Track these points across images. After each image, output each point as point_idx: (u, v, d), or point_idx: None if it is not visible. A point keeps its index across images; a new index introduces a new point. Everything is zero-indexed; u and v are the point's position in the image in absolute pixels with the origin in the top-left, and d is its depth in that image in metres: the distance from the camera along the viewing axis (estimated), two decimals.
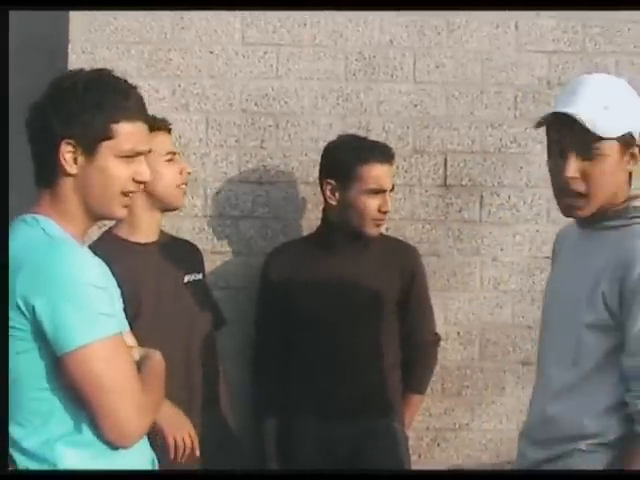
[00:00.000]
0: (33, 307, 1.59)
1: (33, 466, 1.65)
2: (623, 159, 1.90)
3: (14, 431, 1.65)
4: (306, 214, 3.03)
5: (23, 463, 1.65)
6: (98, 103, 1.67)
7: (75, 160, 1.68)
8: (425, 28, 3.06)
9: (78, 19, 2.98)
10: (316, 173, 2.85)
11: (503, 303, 3.10)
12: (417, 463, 2.95)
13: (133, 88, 1.73)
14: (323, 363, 2.73)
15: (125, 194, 1.73)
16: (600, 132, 1.85)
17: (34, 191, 1.76)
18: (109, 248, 2.21)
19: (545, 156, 3.07)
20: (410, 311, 2.83)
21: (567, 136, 1.90)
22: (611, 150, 1.87)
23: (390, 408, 2.77)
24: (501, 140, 3.10)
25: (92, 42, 2.99)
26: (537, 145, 3.10)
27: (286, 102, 3.04)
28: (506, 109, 3.10)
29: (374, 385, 2.75)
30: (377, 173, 2.72)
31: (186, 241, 2.82)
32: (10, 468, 1.64)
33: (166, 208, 2.56)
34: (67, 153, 1.68)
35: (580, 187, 1.89)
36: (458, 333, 3.09)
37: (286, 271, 2.80)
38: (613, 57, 3.11)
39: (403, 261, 2.83)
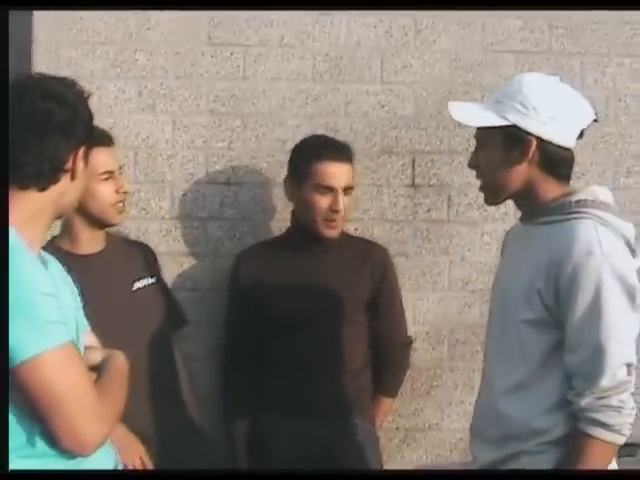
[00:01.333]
0: None
1: None
2: (509, 151, 1.92)
3: None
4: (275, 215, 3.01)
5: None
6: (89, 111, 1.79)
7: (84, 164, 1.77)
8: (392, 29, 3.06)
9: (43, 19, 2.94)
10: (284, 174, 2.84)
11: (472, 303, 3.11)
12: (387, 463, 2.95)
13: None
14: (293, 364, 2.73)
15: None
16: (474, 123, 1.97)
17: None
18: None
19: None
20: (380, 313, 2.82)
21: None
22: (492, 142, 1.94)
23: (360, 408, 2.77)
24: (468, 140, 3.07)
25: (57, 42, 2.95)
26: None
27: (254, 103, 3.03)
28: None
29: (344, 385, 2.75)
30: (327, 170, 2.69)
31: (138, 243, 2.80)
32: None
33: (103, 225, 2.54)
34: (81, 159, 1.74)
35: (479, 177, 2.02)
36: (427, 333, 3.10)
37: (255, 272, 2.78)
38: (578, 57, 3.14)
39: (373, 262, 2.82)
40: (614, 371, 1.81)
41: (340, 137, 2.97)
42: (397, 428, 3.09)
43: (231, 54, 3.01)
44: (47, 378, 1.58)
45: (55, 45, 2.95)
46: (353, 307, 2.77)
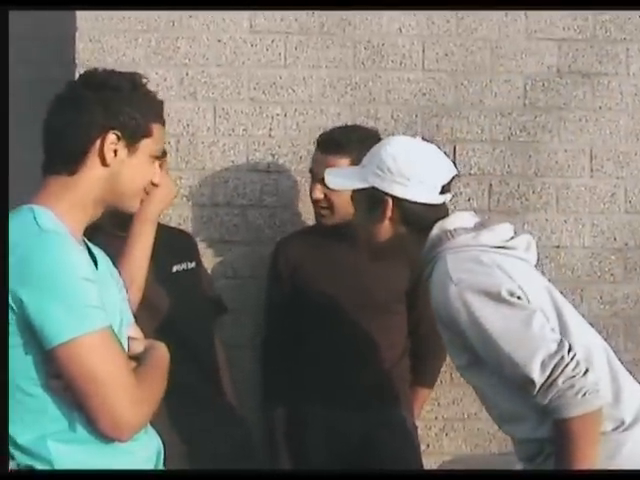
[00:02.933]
0: (20, 300, 1.58)
1: (29, 462, 1.64)
2: (371, 211, 2.07)
3: (12, 426, 1.63)
4: None
5: (20, 459, 1.64)
6: (142, 102, 1.77)
7: (115, 152, 1.73)
8: (434, 16, 3.04)
9: None
10: None
11: None
12: (425, 453, 2.94)
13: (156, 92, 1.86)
14: (331, 352, 2.72)
15: (142, 190, 1.82)
16: (339, 187, 2.22)
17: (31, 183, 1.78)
18: (96, 241, 2.20)
19: (555, 144, 3.09)
20: (419, 303, 2.81)
21: None
22: (359, 202, 2.13)
23: (398, 398, 2.76)
24: (510, 129, 3.08)
25: (99, 30, 2.98)
26: (546, 134, 3.08)
27: (294, 90, 3.03)
28: (515, 97, 3.08)
29: (382, 375, 2.74)
30: (314, 159, 2.73)
31: (177, 230, 2.81)
32: (11, 463, 1.63)
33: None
34: (111, 144, 1.72)
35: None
36: None
37: (294, 260, 2.79)
38: (623, 44, 3.09)
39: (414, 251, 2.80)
40: (538, 361, 1.83)
41: (380, 125, 2.97)
42: (436, 417, 3.08)
43: (272, 41, 3.02)
44: (85, 361, 1.58)
45: (98, 34, 2.98)
46: (392, 297, 2.76)
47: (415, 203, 2.03)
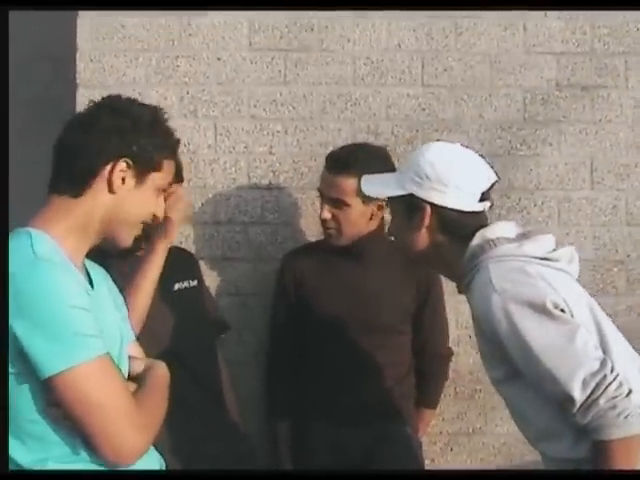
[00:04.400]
0: (14, 331, 1.56)
1: None
2: (409, 219, 2.03)
3: (13, 449, 1.63)
4: (316, 219, 3.01)
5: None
6: (159, 136, 1.78)
7: (123, 180, 1.73)
8: (433, 31, 3.05)
9: (85, 27, 2.98)
10: None
11: None
12: (431, 467, 2.93)
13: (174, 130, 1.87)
14: (336, 368, 2.72)
15: (142, 224, 1.80)
16: (376, 194, 2.22)
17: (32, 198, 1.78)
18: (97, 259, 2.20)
19: (555, 157, 3.09)
20: (424, 323, 2.81)
21: None
22: (396, 210, 2.09)
23: (402, 415, 2.76)
24: (510, 142, 3.09)
25: (100, 50, 2.99)
26: (546, 147, 3.09)
27: (294, 107, 3.04)
28: (515, 111, 3.09)
29: (387, 392, 2.74)
30: (321, 178, 2.73)
31: (178, 248, 2.79)
32: None
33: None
34: (120, 171, 1.72)
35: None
36: (470, 337, 3.07)
37: (301, 274, 2.78)
38: (622, 57, 3.10)
39: (420, 273, 2.79)
40: (580, 379, 1.78)
41: (381, 141, 2.97)
42: (440, 432, 3.07)
43: (272, 59, 3.03)
44: (81, 391, 1.57)
45: (98, 54, 2.99)
46: (398, 317, 2.76)
47: (454, 210, 1.98)
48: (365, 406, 2.71)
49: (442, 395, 2.96)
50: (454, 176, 1.98)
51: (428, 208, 1.98)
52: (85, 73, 2.97)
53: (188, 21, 3.01)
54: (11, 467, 1.63)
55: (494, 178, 2.03)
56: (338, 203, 2.66)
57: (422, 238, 2.01)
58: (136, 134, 1.74)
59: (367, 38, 3.04)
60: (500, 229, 1.99)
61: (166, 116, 1.82)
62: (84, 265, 1.79)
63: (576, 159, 3.10)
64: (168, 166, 1.81)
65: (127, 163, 1.73)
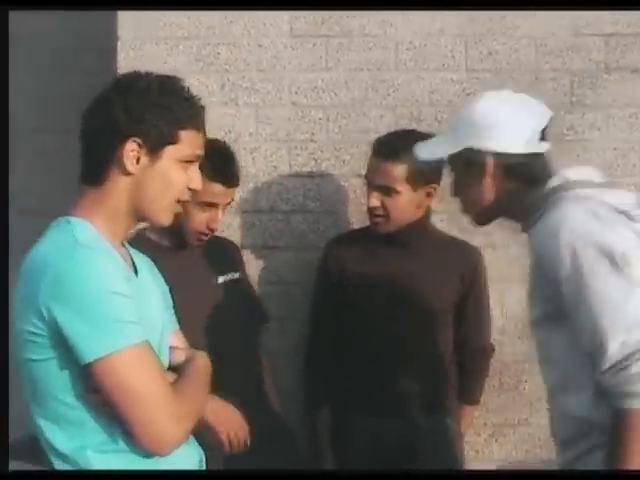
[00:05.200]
0: (54, 316, 1.56)
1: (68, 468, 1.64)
2: (470, 172, 1.98)
3: (50, 434, 1.64)
4: (358, 207, 2.98)
5: (59, 467, 1.64)
6: (170, 108, 1.68)
7: (138, 160, 1.67)
8: (476, 15, 2.99)
9: (126, 17, 2.98)
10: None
11: None
12: (475, 459, 2.90)
13: (197, 97, 1.76)
14: (377, 358, 2.70)
15: (178, 201, 1.73)
16: (431, 157, 2.08)
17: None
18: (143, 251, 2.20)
19: (604, 143, 3.02)
20: (467, 316, 2.77)
21: None
22: (457, 167, 2.04)
23: (443, 406, 2.73)
24: (557, 127, 3.01)
25: (141, 39, 2.99)
26: (594, 132, 3.02)
27: (336, 94, 3.00)
28: (562, 95, 3.01)
29: (427, 384, 2.71)
30: (368, 166, 2.69)
31: (222, 239, 2.78)
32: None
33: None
34: (132, 151, 1.67)
35: (460, 203, 2.10)
36: (515, 326, 3.03)
37: (342, 263, 2.76)
38: None
39: (465, 265, 2.76)
40: (621, 338, 1.75)
41: (424, 127, 2.92)
42: (485, 424, 3.03)
43: (313, 45, 3.00)
44: (120, 377, 1.57)
45: (139, 42, 2.99)
46: (440, 307, 2.72)
47: (515, 155, 1.94)
48: (406, 397, 2.68)
49: (486, 387, 2.92)
50: (508, 120, 1.94)
51: (489, 157, 1.94)
52: (126, 62, 2.97)
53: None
54: (50, 454, 1.65)
55: (549, 114, 1.98)
56: (387, 190, 2.62)
57: (488, 189, 1.97)
58: (142, 109, 1.66)
59: (409, 22, 2.99)
60: (583, 172, 1.95)
61: (181, 84, 1.72)
62: (128, 252, 1.79)
63: (626, 144, 3.02)
64: (188, 136, 1.69)
65: (137, 142, 1.67)
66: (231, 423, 2.24)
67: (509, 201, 1.98)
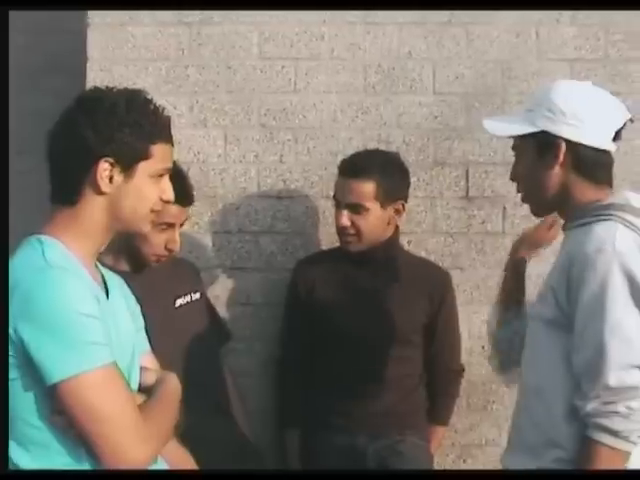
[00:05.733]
0: (21, 336, 1.55)
1: None
2: (542, 157, 1.94)
3: (18, 457, 1.62)
4: (327, 229, 2.99)
5: None
6: (139, 124, 1.67)
7: (111, 179, 1.67)
8: (444, 38, 3.03)
9: (96, 37, 2.98)
10: None
11: None
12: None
13: (164, 109, 1.75)
14: (347, 378, 2.71)
15: (152, 212, 1.73)
16: (505, 133, 2.02)
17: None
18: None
19: None
20: (436, 337, 2.79)
21: None
22: (526, 150, 1.97)
23: (413, 426, 2.74)
24: None
25: (110, 59, 2.99)
26: None
27: (305, 116, 3.02)
28: None
29: (397, 403, 2.72)
30: (336, 185, 2.72)
31: (180, 260, 2.73)
32: None
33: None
34: (104, 171, 1.66)
35: (520, 189, 2.04)
36: (483, 347, 3.04)
37: (313, 284, 2.77)
38: (636, 63, 3.06)
39: (434, 285, 2.78)
40: (619, 373, 1.76)
41: (392, 149, 2.95)
42: (453, 444, 3.04)
43: (282, 67, 3.01)
44: (85, 399, 1.56)
45: (108, 63, 2.99)
46: (409, 327, 2.74)
47: (589, 148, 1.90)
48: (376, 416, 2.69)
49: (454, 408, 2.93)
50: (590, 111, 1.91)
51: (563, 144, 1.91)
52: (95, 82, 2.94)
53: (198, 30, 3.00)
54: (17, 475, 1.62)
55: (628, 115, 1.96)
56: (357, 208, 2.65)
57: (554, 178, 1.93)
58: (112, 127, 1.65)
59: (378, 46, 3.02)
60: (635, 199, 1.93)
61: (148, 97, 1.71)
62: (100, 272, 1.78)
63: None
64: (160, 150, 1.69)
65: (109, 162, 1.66)
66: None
67: (569, 195, 1.93)
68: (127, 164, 1.67)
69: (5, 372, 1.59)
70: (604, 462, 1.77)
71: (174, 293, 2.57)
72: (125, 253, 2.48)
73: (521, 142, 1.99)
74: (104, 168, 1.66)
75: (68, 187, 1.69)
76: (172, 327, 2.47)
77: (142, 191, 1.69)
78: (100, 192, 1.67)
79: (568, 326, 1.84)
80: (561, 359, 1.85)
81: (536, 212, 2.06)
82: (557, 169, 1.93)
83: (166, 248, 2.47)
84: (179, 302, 2.57)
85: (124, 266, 2.50)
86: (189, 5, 2.94)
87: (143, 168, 1.68)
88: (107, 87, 1.73)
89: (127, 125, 1.66)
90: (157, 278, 2.50)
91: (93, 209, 1.68)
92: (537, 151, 1.94)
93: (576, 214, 1.93)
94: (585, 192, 1.93)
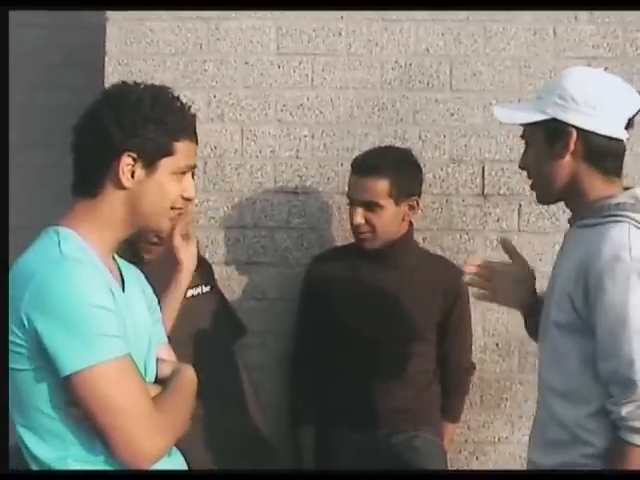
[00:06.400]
0: (35, 326, 1.56)
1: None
2: (552, 145, 1.89)
3: (33, 445, 1.63)
4: (342, 224, 3.00)
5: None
6: (164, 120, 1.68)
7: (132, 174, 1.68)
8: (462, 36, 3.02)
9: (114, 32, 2.99)
10: None
11: None
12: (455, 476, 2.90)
13: (190, 107, 1.76)
14: (361, 374, 2.71)
15: (173, 209, 1.74)
16: (514, 120, 1.98)
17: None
18: None
19: None
20: (449, 333, 2.79)
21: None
22: (536, 138, 1.93)
23: (427, 422, 2.74)
24: None
25: (128, 54, 3.00)
26: None
27: (321, 112, 3.03)
28: None
29: (411, 399, 2.72)
30: (350, 183, 2.71)
31: None
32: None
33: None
34: (127, 166, 1.67)
35: (529, 177, 2.00)
36: (497, 345, 3.04)
37: (328, 279, 2.78)
38: None
39: (448, 283, 2.77)
40: None
41: (408, 145, 2.95)
42: (466, 441, 3.04)
43: (299, 63, 3.02)
44: (99, 391, 1.56)
45: (127, 58, 3.00)
46: (423, 324, 2.74)
47: (601, 136, 1.86)
48: (390, 412, 2.69)
49: (467, 404, 2.93)
50: (603, 98, 1.86)
51: (574, 133, 1.86)
52: (113, 77, 2.98)
53: (216, 25, 3.01)
54: (32, 464, 1.64)
55: None
56: (371, 206, 2.65)
57: (564, 167, 1.89)
58: (137, 123, 1.66)
59: (395, 42, 3.02)
60: None
61: (172, 94, 1.72)
62: (116, 264, 1.79)
63: None
64: (184, 147, 1.71)
65: (131, 157, 1.67)
66: None
67: (578, 186, 1.90)
68: (150, 160, 1.68)
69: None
70: (637, 463, 1.77)
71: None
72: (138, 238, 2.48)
73: (531, 131, 1.95)
74: (126, 163, 1.67)
75: (89, 180, 1.70)
76: (183, 317, 2.47)
77: (163, 187, 1.70)
78: (121, 186, 1.68)
79: (586, 331, 1.82)
80: (583, 362, 1.84)
81: (542, 201, 2.02)
82: (567, 158, 1.89)
83: (182, 198, 2.46)
84: (191, 292, 2.57)
85: (138, 253, 2.50)
86: (205, 5, 2.95)
87: (166, 164, 1.69)
88: (134, 82, 1.74)
89: (151, 121, 1.67)
90: (167, 270, 2.50)
91: (113, 203, 1.69)
92: (547, 140, 1.90)
93: (586, 212, 1.89)
94: (594, 183, 1.89)
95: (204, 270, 2.72)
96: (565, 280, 1.87)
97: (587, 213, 1.89)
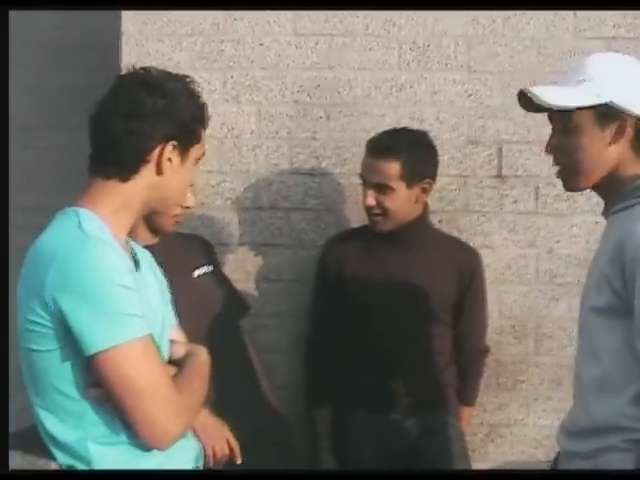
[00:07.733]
0: (60, 305, 1.57)
1: (70, 461, 1.65)
2: (603, 132, 1.83)
3: (52, 426, 1.65)
4: (358, 206, 2.99)
5: (61, 459, 1.66)
6: (198, 109, 1.78)
7: (170, 160, 1.73)
8: (479, 16, 3.00)
9: (130, 13, 2.99)
10: None
11: (559, 296, 3.03)
12: (471, 459, 2.89)
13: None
14: (377, 355, 2.71)
15: (179, 204, 1.87)
16: (571, 104, 1.83)
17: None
18: None
19: None
20: (464, 316, 2.78)
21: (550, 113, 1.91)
22: (580, 123, 1.83)
23: (444, 403, 2.74)
24: None
25: (144, 35, 3.00)
26: None
27: (338, 93, 3.01)
28: None
29: (427, 381, 2.72)
30: (363, 163, 2.69)
31: (192, 235, 2.76)
32: (52, 464, 1.65)
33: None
34: (170, 154, 1.72)
35: (558, 162, 1.91)
36: (513, 327, 3.04)
37: (343, 260, 2.77)
38: None
39: (464, 264, 2.76)
40: None
41: (425, 127, 2.93)
42: (481, 423, 3.04)
43: (316, 44, 3.01)
44: (122, 370, 1.58)
45: (143, 38, 2.99)
46: (439, 305, 2.73)
47: None
48: (407, 394, 2.69)
49: (483, 387, 2.93)
50: None
51: (631, 119, 1.81)
52: (130, 57, 2.97)
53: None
54: (50, 445, 1.66)
55: None
56: (383, 188, 2.64)
57: (612, 154, 1.83)
58: (176, 112, 1.72)
59: (413, 23, 3.00)
60: None
61: (195, 85, 1.81)
62: (130, 246, 1.80)
63: None
64: (203, 135, 1.82)
65: (173, 145, 1.72)
66: (217, 438, 2.24)
67: (618, 173, 1.84)
68: (186, 147, 1.75)
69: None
70: None
71: (192, 264, 2.58)
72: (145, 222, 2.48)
73: (570, 115, 1.85)
74: (169, 150, 1.72)
75: (123, 164, 1.71)
76: (193, 296, 2.48)
77: (189, 173, 1.79)
78: (160, 172, 1.73)
79: (625, 312, 1.78)
80: (624, 346, 1.79)
81: (574, 188, 1.94)
82: (617, 145, 1.83)
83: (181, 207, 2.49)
84: (197, 273, 2.58)
85: (140, 238, 2.51)
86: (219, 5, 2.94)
87: (195, 152, 1.78)
88: (165, 71, 1.80)
89: (188, 110, 1.74)
90: (172, 251, 2.50)
91: (143, 187, 1.73)
92: (598, 125, 1.83)
93: (618, 197, 1.86)
94: (630, 169, 1.85)
95: (206, 250, 2.73)
96: (602, 264, 1.83)
97: (620, 197, 1.86)
